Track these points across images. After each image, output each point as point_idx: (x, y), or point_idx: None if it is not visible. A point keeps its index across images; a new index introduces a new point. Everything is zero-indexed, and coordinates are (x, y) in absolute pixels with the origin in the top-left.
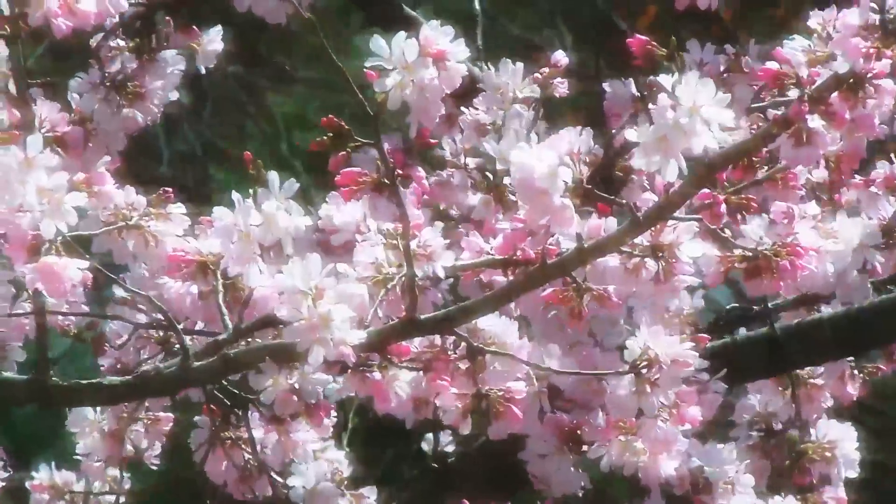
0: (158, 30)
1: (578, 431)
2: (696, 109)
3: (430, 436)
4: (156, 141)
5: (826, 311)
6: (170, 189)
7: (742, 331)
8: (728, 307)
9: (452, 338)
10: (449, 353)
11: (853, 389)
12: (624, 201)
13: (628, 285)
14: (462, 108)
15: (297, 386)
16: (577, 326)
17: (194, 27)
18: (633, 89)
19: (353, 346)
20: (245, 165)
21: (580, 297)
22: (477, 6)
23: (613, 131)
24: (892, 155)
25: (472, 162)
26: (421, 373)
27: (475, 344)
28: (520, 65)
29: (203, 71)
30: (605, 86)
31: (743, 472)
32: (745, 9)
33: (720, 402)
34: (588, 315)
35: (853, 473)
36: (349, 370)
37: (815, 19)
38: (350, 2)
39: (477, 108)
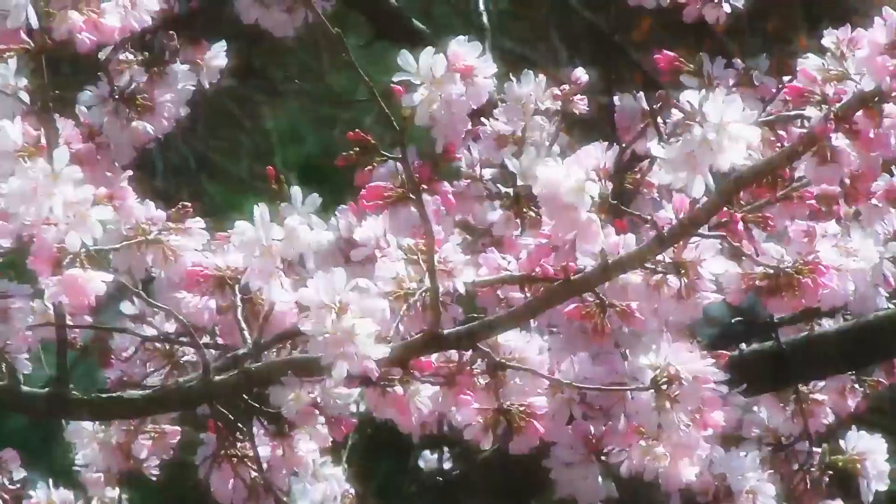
0: (168, 43)
1: (604, 440)
2: (724, 126)
3: (426, 452)
4: (150, 154)
5: (828, 324)
6: (188, 204)
7: (745, 345)
8: (732, 321)
9: (470, 352)
10: (469, 367)
11: (854, 403)
12: (649, 217)
13: (650, 302)
14: (481, 120)
15: (318, 400)
16: (599, 342)
17: (204, 41)
18: (643, 103)
19: (377, 360)
20: (238, 178)
21: (602, 313)
22: (485, 20)
23: (624, 145)
24: (893, 168)
25: (487, 173)
26: (440, 387)
27: (497, 359)
28: (542, 76)
29: (207, 85)
30: (615, 100)
31: (766, 480)
32: (737, 23)
33: (736, 415)
34: (610, 330)
35: (883, 486)
36: (369, 385)
37: (828, 38)
38: (349, 14)
39: (497, 119)
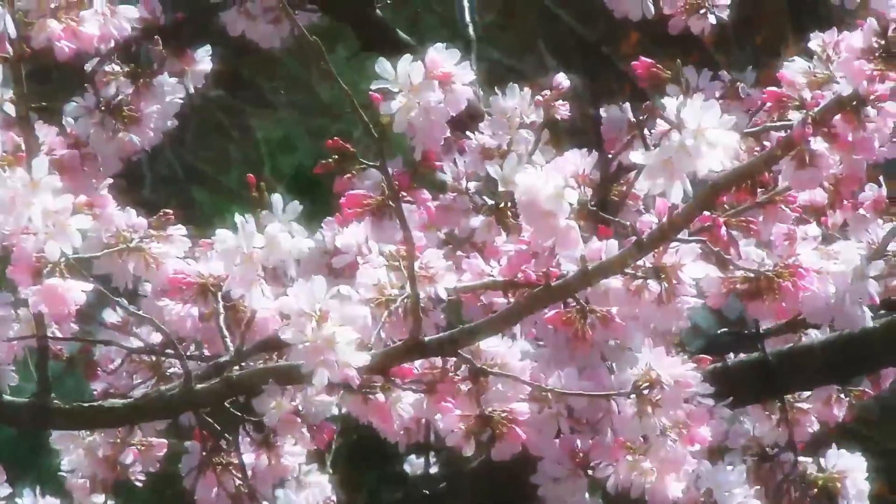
0: (154, 49)
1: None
2: (702, 132)
3: (413, 458)
4: (138, 164)
5: (815, 335)
6: (170, 211)
7: (733, 355)
8: (719, 332)
9: (453, 359)
10: (451, 374)
11: (839, 413)
12: (628, 223)
13: (631, 307)
14: (463, 133)
15: (300, 408)
16: (581, 349)
17: (188, 50)
18: (630, 114)
19: (358, 367)
20: (227, 188)
21: (583, 319)
22: (471, 31)
23: (610, 155)
24: (880, 178)
25: (473, 186)
26: (422, 394)
27: (479, 365)
28: (527, 90)
29: (192, 90)
30: (602, 110)
31: (752, 496)
32: (725, 36)
33: (722, 427)
34: (592, 340)
35: None
36: (351, 392)
37: (815, 41)
38: (340, 26)
39: (482, 132)
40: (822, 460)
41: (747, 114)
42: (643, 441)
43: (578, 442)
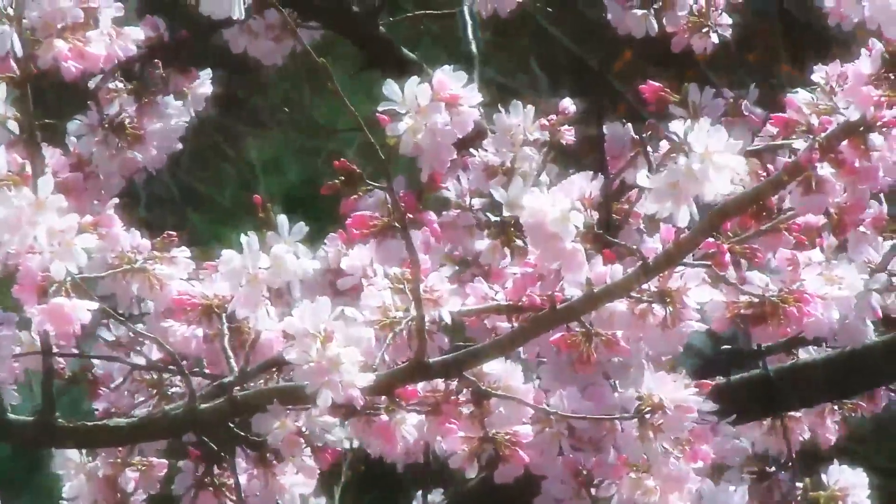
0: (155, 73)
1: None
2: (709, 155)
3: (420, 494)
4: (134, 184)
5: (815, 353)
6: (174, 233)
7: (733, 373)
8: (720, 349)
9: (456, 381)
10: (454, 397)
11: (832, 425)
12: (635, 247)
13: (635, 330)
14: (467, 150)
15: (304, 429)
16: (585, 371)
17: (193, 69)
18: (631, 132)
19: (362, 389)
20: (222, 208)
21: (588, 342)
22: (474, 49)
23: (612, 175)
24: (880, 195)
25: (477, 203)
26: (426, 416)
27: (482, 388)
28: (531, 107)
29: (193, 114)
30: (605, 129)
31: None
32: (719, 54)
33: (728, 444)
34: (596, 360)
35: None
36: (355, 414)
37: (818, 73)
38: (338, 43)
39: (486, 150)
40: (823, 476)
41: (751, 132)
42: (646, 459)
43: (582, 460)
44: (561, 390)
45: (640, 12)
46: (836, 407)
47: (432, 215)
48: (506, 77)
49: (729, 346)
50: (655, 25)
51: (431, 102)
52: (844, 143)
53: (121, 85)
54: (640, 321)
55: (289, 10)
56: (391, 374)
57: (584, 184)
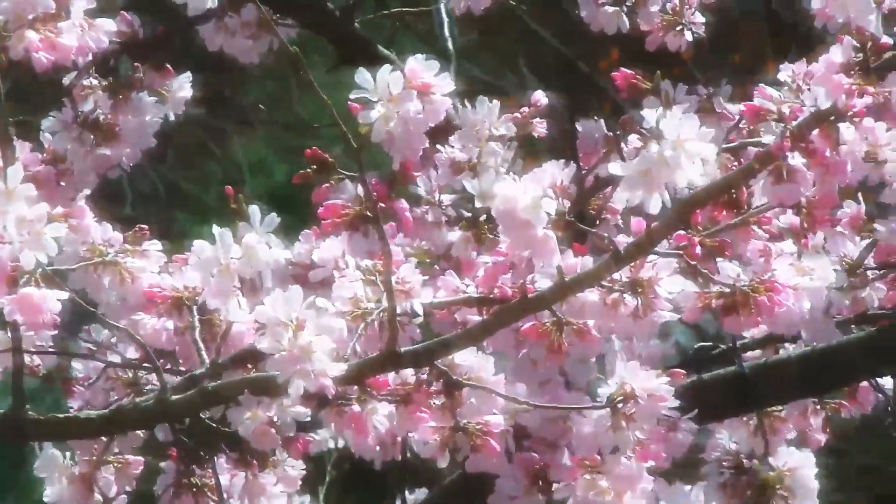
0: (132, 75)
1: (547, 471)
2: (681, 143)
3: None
4: (119, 182)
5: (791, 349)
6: (146, 227)
7: (708, 370)
8: (696, 346)
9: (428, 371)
10: (425, 387)
11: (816, 424)
12: (605, 235)
13: (607, 320)
14: (437, 146)
15: (275, 419)
16: (555, 361)
17: (169, 67)
18: (604, 128)
19: (334, 378)
20: (207, 206)
21: (559, 332)
22: (450, 46)
23: (585, 170)
24: (858, 195)
25: (446, 199)
26: (397, 406)
27: (454, 378)
28: (496, 102)
29: (172, 118)
30: (578, 125)
31: None
32: (705, 53)
33: (690, 441)
34: (567, 349)
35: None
36: (327, 404)
37: (784, 72)
38: (317, 41)
39: (452, 146)
40: (770, 459)
41: (722, 128)
42: (599, 458)
43: (535, 458)
44: (517, 387)
45: (611, 9)
46: (818, 406)
47: (404, 203)
48: (494, 76)
49: (703, 344)
50: (627, 23)
51: (403, 90)
52: (815, 132)
53: (95, 81)
54: (611, 311)
55: (265, 8)
56: (363, 364)
57: (555, 172)
